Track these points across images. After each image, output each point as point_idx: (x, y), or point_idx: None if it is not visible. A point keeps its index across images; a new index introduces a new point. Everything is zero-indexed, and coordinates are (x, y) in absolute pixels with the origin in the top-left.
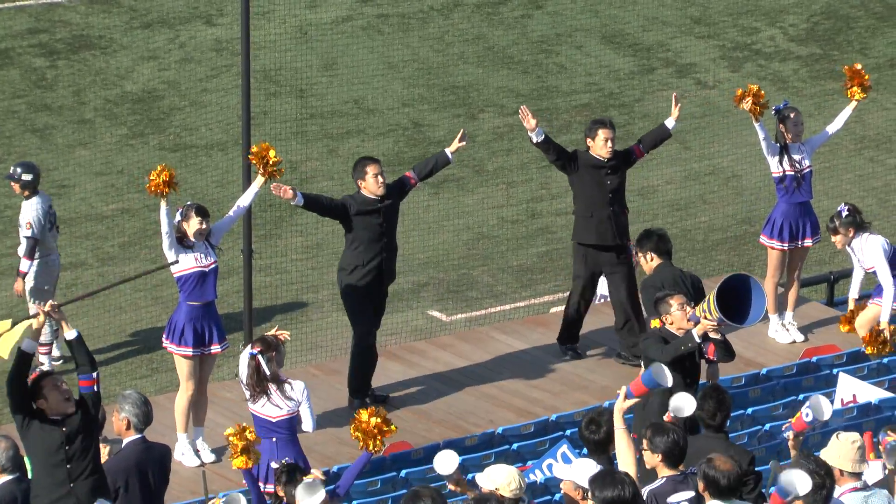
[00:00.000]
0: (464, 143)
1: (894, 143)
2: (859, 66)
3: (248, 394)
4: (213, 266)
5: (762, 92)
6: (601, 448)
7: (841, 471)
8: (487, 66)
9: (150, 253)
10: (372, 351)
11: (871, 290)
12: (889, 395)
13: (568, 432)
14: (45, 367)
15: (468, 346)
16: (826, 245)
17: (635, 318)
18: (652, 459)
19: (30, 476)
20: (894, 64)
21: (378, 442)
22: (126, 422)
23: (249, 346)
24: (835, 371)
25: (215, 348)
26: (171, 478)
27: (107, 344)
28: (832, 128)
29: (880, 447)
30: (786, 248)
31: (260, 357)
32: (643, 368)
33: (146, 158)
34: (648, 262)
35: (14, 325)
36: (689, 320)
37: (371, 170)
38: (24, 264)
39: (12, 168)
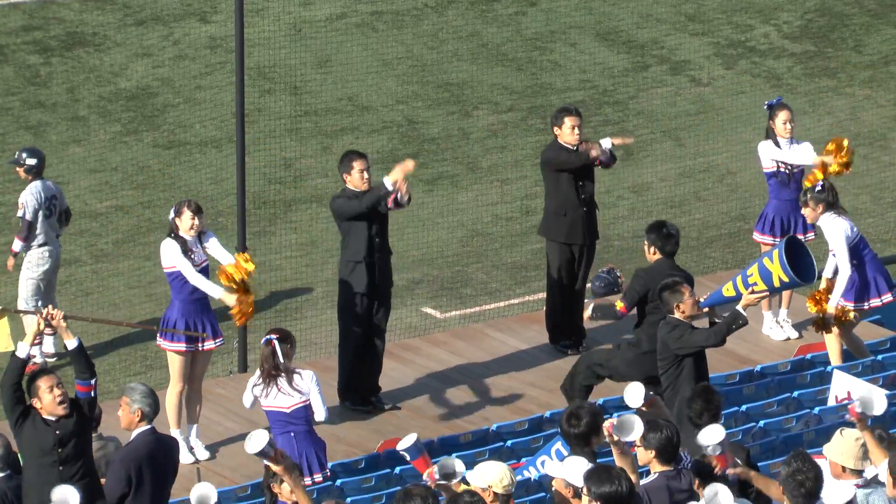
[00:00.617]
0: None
1: (888, 140)
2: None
3: (259, 388)
4: (204, 263)
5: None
6: (583, 441)
7: (843, 467)
8: (481, 63)
9: (144, 250)
10: (358, 352)
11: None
12: (883, 392)
13: None
14: (38, 360)
15: (462, 343)
16: (820, 243)
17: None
18: (645, 456)
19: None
20: (888, 61)
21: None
22: (139, 413)
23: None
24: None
25: (209, 344)
26: None
27: (101, 340)
28: (809, 160)
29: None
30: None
31: (276, 342)
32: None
33: (140, 155)
34: (650, 254)
35: (3, 311)
36: (701, 307)
37: (357, 165)
38: (16, 244)
39: (17, 153)
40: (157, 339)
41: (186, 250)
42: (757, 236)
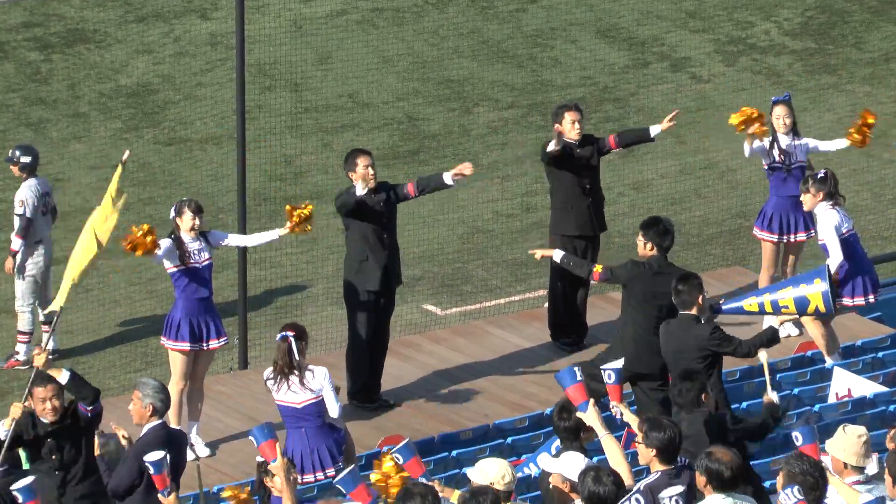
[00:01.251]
0: (466, 174)
1: (889, 137)
2: (871, 120)
3: (271, 383)
4: (207, 262)
5: (761, 114)
6: (573, 435)
7: (845, 463)
8: (482, 60)
9: None
10: (365, 353)
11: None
12: (884, 389)
13: None
14: (21, 357)
15: (463, 340)
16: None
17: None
18: (646, 454)
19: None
20: (889, 58)
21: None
22: (151, 408)
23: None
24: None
25: (214, 343)
26: None
27: (101, 337)
28: (823, 146)
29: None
30: (777, 240)
31: (292, 340)
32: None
33: (141, 152)
34: (644, 248)
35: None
36: (723, 312)
37: (362, 161)
38: (16, 242)
39: (11, 151)
40: (162, 340)
41: (185, 251)
42: (756, 232)
